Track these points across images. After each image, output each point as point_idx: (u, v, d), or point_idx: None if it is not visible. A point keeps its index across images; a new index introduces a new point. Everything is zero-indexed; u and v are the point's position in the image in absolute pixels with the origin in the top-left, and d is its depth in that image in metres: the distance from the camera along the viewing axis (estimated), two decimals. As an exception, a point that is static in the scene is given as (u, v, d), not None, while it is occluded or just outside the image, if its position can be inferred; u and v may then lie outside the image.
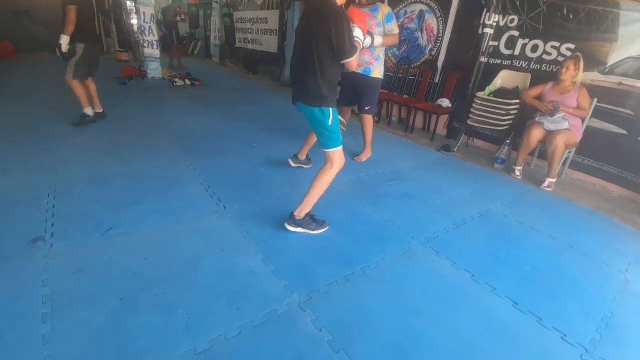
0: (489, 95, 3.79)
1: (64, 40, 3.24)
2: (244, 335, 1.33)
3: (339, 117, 2.09)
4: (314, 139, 2.87)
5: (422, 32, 4.77)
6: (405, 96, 5.02)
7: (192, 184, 2.53)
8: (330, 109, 1.94)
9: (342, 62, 1.88)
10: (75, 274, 1.54)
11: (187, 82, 6.42)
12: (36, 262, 1.59)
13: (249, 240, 1.92)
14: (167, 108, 4.71)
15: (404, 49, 5.05)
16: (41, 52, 9.52)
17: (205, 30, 11.49)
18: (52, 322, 1.28)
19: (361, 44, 2.07)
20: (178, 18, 8.32)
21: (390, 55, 5.28)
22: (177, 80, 6.36)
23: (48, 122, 3.63)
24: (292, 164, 3.05)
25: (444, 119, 4.55)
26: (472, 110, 3.87)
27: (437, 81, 4.63)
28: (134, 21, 9.30)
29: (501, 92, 3.75)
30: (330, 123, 1.96)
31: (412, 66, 4.92)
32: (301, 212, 2.06)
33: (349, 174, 3.02)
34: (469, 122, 3.92)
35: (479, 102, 3.80)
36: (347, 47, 1.80)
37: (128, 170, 2.66)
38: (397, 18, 5.02)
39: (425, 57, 4.77)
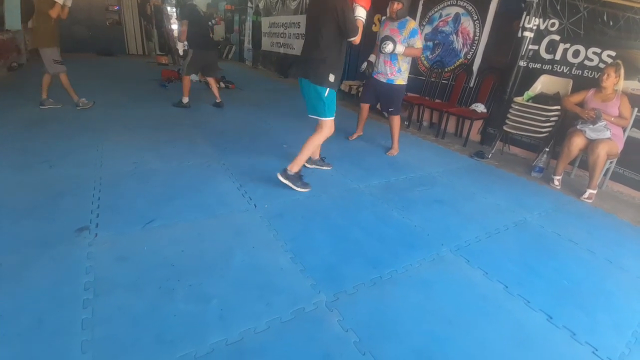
0: (527, 101, 3.64)
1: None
2: (273, 330, 1.36)
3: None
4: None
5: (457, 35, 4.66)
6: (437, 100, 4.92)
7: (225, 182, 2.63)
8: (327, 88, 2.33)
9: (349, 39, 2.25)
10: (117, 262, 1.65)
11: (222, 84, 6.65)
12: (80, 250, 1.71)
13: (278, 239, 1.96)
14: (203, 109, 4.91)
15: (437, 52, 4.96)
16: (84, 52, 10.19)
17: (239, 35, 11.87)
18: (92, 307, 1.37)
19: (363, 21, 2.32)
20: (212, 22, 8.64)
21: (422, 58, 5.20)
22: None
23: (94, 119, 3.91)
24: (308, 165, 3.09)
25: (477, 124, 4.42)
26: (509, 115, 3.73)
27: (471, 85, 4.51)
28: (174, 26, 9.80)
29: (541, 98, 3.59)
30: (326, 95, 2.36)
31: (446, 70, 4.82)
32: (293, 168, 2.50)
33: (378, 177, 3.01)
34: (505, 128, 3.78)
35: (517, 107, 3.66)
36: (351, 26, 2.17)
37: (167, 166, 2.81)
38: (432, 21, 4.96)
39: (460, 60, 4.66)
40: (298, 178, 2.53)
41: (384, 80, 3.48)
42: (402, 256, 1.92)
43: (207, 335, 1.30)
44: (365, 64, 3.58)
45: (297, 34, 8.22)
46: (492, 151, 3.94)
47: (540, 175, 3.49)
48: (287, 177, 2.49)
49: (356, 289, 1.61)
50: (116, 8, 10.76)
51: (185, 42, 4.47)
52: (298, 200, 2.46)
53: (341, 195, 2.61)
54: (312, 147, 2.50)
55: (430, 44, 5.06)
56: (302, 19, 8.04)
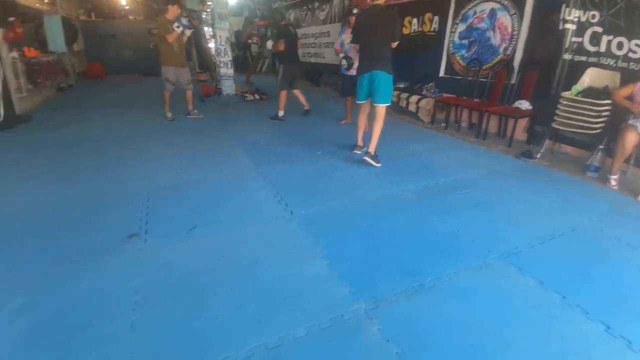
0: (576, 95, 3.37)
1: (268, 44, 5.19)
2: (311, 336, 1.34)
3: None
4: (362, 122, 3.55)
5: (494, 31, 4.45)
6: (476, 100, 4.70)
7: (262, 190, 2.68)
8: (392, 76, 3.19)
9: (393, 43, 3.11)
10: (163, 267, 1.73)
11: (256, 96, 6.87)
12: (131, 255, 1.82)
13: (315, 245, 1.95)
14: (240, 121, 5.10)
15: (473, 50, 4.77)
16: (130, 74, 11.01)
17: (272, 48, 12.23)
18: (141, 309, 1.44)
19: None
20: (251, 41, 9.00)
21: (458, 57, 5.02)
22: (247, 95, 6.86)
23: (141, 133, 4.19)
24: (358, 152, 3.51)
25: (522, 122, 4.15)
26: (557, 111, 3.47)
27: (513, 82, 4.26)
28: (211, 45, 10.33)
29: (590, 92, 3.32)
30: (391, 84, 3.20)
31: (483, 67, 4.61)
32: (373, 149, 3.18)
33: (415, 182, 2.91)
34: (554, 125, 3.52)
35: (566, 102, 3.40)
36: (399, 34, 3.15)
37: (207, 176, 2.93)
38: (466, 18, 4.79)
39: (499, 56, 4.43)
40: (376, 156, 3.18)
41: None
42: (444, 263, 1.82)
43: (246, 340, 1.31)
44: (344, 61, 4.30)
45: (327, 42, 8.31)
46: (542, 150, 3.67)
47: (596, 175, 3.19)
48: (371, 157, 3.15)
49: (397, 297, 1.55)
50: (158, 31, 11.57)
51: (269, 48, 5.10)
52: (334, 206, 2.44)
53: (377, 201, 2.55)
54: (379, 131, 3.16)
55: (465, 42, 4.87)
56: (331, 28, 8.13)
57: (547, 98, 3.88)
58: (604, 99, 3.18)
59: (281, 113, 5.04)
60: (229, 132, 4.43)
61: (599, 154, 3.23)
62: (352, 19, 4.20)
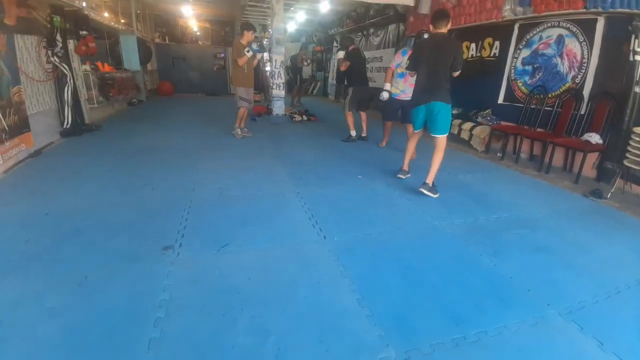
0: (648, 131, 2.93)
1: (339, 55, 5.04)
2: (331, 382, 1.21)
3: None
4: (412, 148, 3.48)
5: (562, 58, 4.09)
6: (539, 130, 4.30)
7: (297, 211, 2.63)
8: (451, 106, 3.04)
9: (455, 72, 3.04)
10: (191, 284, 1.72)
11: (304, 117, 7.02)
12: (162, 267, 1.84)
13: (345, 276, 1.82)
14: (286, 140, 5.20)
15: (538, 76, 4.42)
16: (195, 93, 11.96)
17: (324, 72, 12.60)
18: (162, 326, 1.42)
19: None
20: (304, 63, 9.36)
21: (519, 83, 4.68)
22: (296, 116, 7.03)
23: (193, 148, 4.43)
24: (402, 177, 3.50)
25: (592, 157, 3.69)
26: (629, 148, 3.04)
27: (582, 112, 3.84)
28: (267, 68, 10.91)
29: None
30: (450, 114, 3.05)
31: (550, 95, 4.23)
32: (431, 180, 3.02)
33: (463, 215, 2.68)
34: (625, 162, 3.06)
35: (638, 139, 2.96)
36: (460, 64, 3.04)
37: (246, 193, 2.96)
38: (531, 44, 4.49)
39: (567, 85, 4.04)
40: (434, 187, 3.04)
41: (407, 98, 3.91)
42: (493, 314, 1.59)
43: (261, 377, 1.21)
44: (385, 94, 4.20)
45: (379, 67, 8.33)
46: (612, 190, 3.20)
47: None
48: (429, 189, 3.00)
49: (433, 349, 1.36)
50: (222, 55, 12.55)
51: (340, 65, 5.07)
52: (370, 235, 2.30)
53: (419, 234, 2.36)
54: (439, 161, 3.03)
55: (529, 68, 4.54)
56: (384, 53, 8.14)
57: (619, 132, 3.43)
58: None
59: (353, 133, 5.11)
60: (275, 150, 4.52)
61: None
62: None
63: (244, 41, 4.82)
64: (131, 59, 8.48)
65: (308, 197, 2.91)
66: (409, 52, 4.02)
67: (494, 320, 1.54)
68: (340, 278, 1.81)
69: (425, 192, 2.99)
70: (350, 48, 5.06)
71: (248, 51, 4.72)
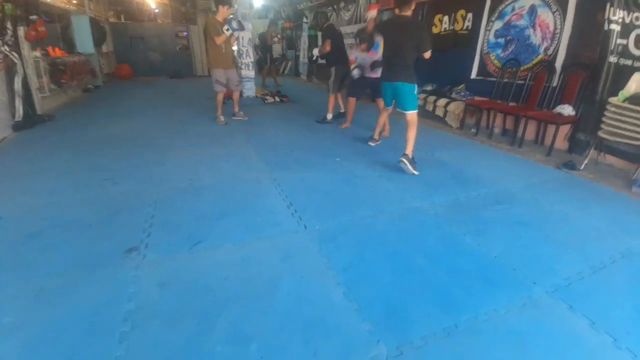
0: (623, 102, 2.99)
1: (314, 51, 4.89)
2: (321, 388, 1.12)
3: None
4: (382, 121, 3.75)
5: (534, 29, 4.07)
6: (511, 104, 4.33)
7: (274, 199, 2.49)
8: (415, 85, 3.11)
9: (423, 53, 3.02)
10: (160, 289, 1.55)
11: (277, 98, 6.74)
12: (127, 272, 1.66)
13: (330, 267, 1.72)
14: (258, 123, 4.95)
15: (510, 49, 4.39)
16: (157, 76, 11.20)
17: (295, 50, 12.14)
18: (128, 343, 1.26)
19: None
20: (274, 40, 8.87)
21: (492, 57, 4.66)
22: (267, 97, 6.73)
23: (161, 136, 4.11)
24: (372, 144, 3.80)
25: (564, 129, 3.75)
26: (604, 119, 3.09)
27: (554, 85, 3.87)
28: (234, 47, 10.34)
29: (638, 99, 2.92)
30: (415, 92, 3.13)
31: (522, 69, 4.23)
32: (410, 151, 3.05)
33: (444, 194, 2.64)
34: (600, 134, 3.13)
35: (614, 109, 3.01)
36: (428, 45, 3.02)
37: (219, 182, 2.77)
38: (503, 15, 4.44)
39: (539, 57, 4.05)
40: (414, 161, 3.06)
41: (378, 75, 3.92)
42: (482, 297, 1.55)
43: (244, 390, 1.10)
44: (356, 71, 4.14)
45: (351, 44, 8.07)
46: (585, 161, 3.28)
47: (642, 190, 2.82)
48: (409, 160, 2.99)
49: (425, 342, 1.30)
50: (185, 34, 11.75)
51: (318, 55, 4.83)
52: (352, 220, 2.20)
53: (401, 215, 2.30)
54: (415, 135, 3.08)
55: (501, 40, 4.51)
56: (356, 28, 7.87)
57: (592, 103, 3.49)
58: (654, 107, 2.80)
59: (330, 116, 4.93)
60: (247, 134, 4.29)
61: (649, 167, 2.84)
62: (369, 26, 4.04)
63: (219, 18, 4.38)
64: (84, 41, 7.72)
65: (285, 183, 2.76)
66: (363, 46, 4.21)
67: (484, 303, 1.50)
68: (325, 270, 1.71)
69: (406, 162, 2.97)
70: (325, 25, 4.81)
71: (227, 29, 4.31)
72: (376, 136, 3.84)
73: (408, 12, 3.06)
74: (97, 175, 2.88)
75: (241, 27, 4.60)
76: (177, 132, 4.36)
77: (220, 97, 4.79)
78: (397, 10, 3.10)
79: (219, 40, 4.31)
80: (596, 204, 2.54)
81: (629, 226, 2.23)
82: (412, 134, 3.07)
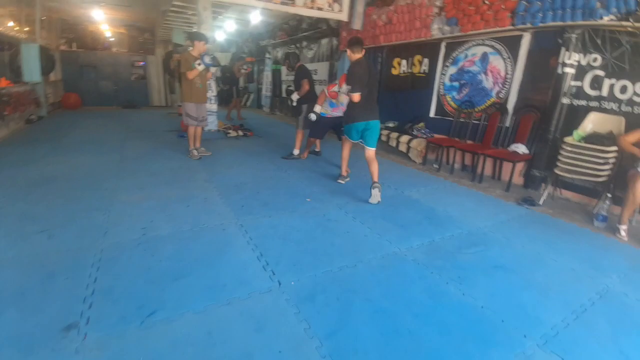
0: (579, 141, 3.23)
1: (294, 96, 4.77)
2: None
3: None
4: (347, 156, 3.74)
5: (486, 74, 4.40)
6: (469, 142, 4.55)
7: (243, 251, 2.25)
8: None
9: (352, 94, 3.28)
10: (103, 382, 1.24)
11: (240, 132, 6.56)
12: (66, 358, 1.33)
13: (311, 336, 1.52)
14: (220, 160, 4.70)
15: (465, 92, 4.69)
16: (109, 106, 10.56)
17: (257, 84, 12.20)
18: None
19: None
20: (242, 70, 8.81)
21: (448, 98, 4.94)
22: (230, 131, 6.53)
23: (105, 175, 3.70)
24: (342, 182, 3.81)
25: (519, 166, 3.98)
26: (560, 157, 3.31)
27: (507, 125, 4.14)
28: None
29: (594, 138, 3.20)
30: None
31: (476, 110, 4.50)
32: (377, 178, 3.26)
33: (419, 236, 2.57)
34: (556, 171, 3.33)
35: (570, 148, 3.24)
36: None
37: (178, 232, 2.47)
38: (457, 61, 4.76)
39: (492, 99, 4.35)
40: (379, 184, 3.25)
41: (340, 114, 4.27)
42: (476, 358, 1.43)
43: None
44: (313, 115, 4.19)
45: (314, 80, 8.25)
46: (544, 197, 3.46)
47: (603, 224, 3.01)
48: (378, 186, 3.21)
49: None
50: (142, 64, 11.35)
51: (297, 97, 4.78)
52: (330, 272, 2.03)
53: (380, 264, 2.17)
54: (377, 169, 3.30)
55: (456, 84, 4.81)
56: (318, 66, 8.11)
57: (544, 142, 3.76)
58: (610, 145, 3.06)
59: (296, 152, 4.87)
60: (209, 173, 4.02)
61: (607, 202, 3.04)
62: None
63: (195, 53, 4.37)
64: (32, 70, 7.14)
65: (254, 230, 2.54)
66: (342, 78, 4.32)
67: (481, 369, 1.38)
68: (306, 340, 1.49)
69: (378, 192, 3.20)
70: (297, 65, 4.83)
71: (199, 64, 4.28)
72: (344, 172, 3.83)
73: (360, 55, 3.26)
74: (30, 226, 2.45)
75: (215, 63, 4.55)
76: (127, 170, 3.97)
77: (191, 130, 4.64)
78: (354, 53, 3.23)
79: (191, 74, 4.28)
80: (564, 242, 2.62)
81: (600, 264, 2.30)
82: (375, 167, 3.30)
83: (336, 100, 4.38)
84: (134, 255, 2.13)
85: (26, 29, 7.50)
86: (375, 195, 3.19)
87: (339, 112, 4.37)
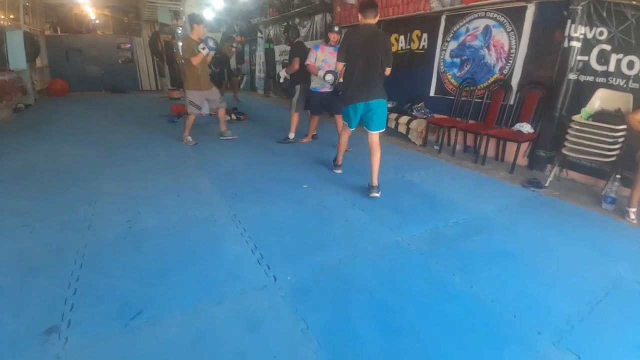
0: (587, 119, 3.08)
1: (282, 73, 4.57)
2: None
3: None
4: (345, 142, 3.34)
5: (489, 49, 4.18)
6: (471, 121, 4.38)
7: (235, 243, 2.12)
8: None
9: (387, 70, 2.88)
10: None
11: (233, 116, 6.33)
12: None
13: (308, 337, 1.41)
14: (212, 145, 4.52)
15: (466, 68, 4.47)
16: (97, 91, 10.23)
17: (250, 65, 11.81)
18: None
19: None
20: (232, 49, 8.45)
21: (449, 76, 4.72)
22: (223, 115, 6.29)
23: (93, 164, 3.53)
24: (338, 172, 3.50)
25: (524, 146, 3.83)
26: (567, 137, 3.16)
27: (512, 103, 3.96)
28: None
29: (603, 116, 3.03)
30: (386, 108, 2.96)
31: (479, 87, 4.31)
32: (377, 180, 2.86)
33: (420, 223, 2.45)
34: (564, 151, 3.19)
35: (577, 127, 3.09)
36: (391, 60, 2.88)
37: (166, 224, 2.33)
38: (458, 36, 4.52)
39: (495, 76, 4.14)
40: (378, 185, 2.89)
41: (329, 90, 4.20)
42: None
43: None
44: (330, 75, 3.98)
45: (309, 59, 7.95)
46: (550, 178, 3.33)
47: (612, 207, 2.88)
48: (377, 190, 2.85)
49: None
50: (128, 46, 10.91)
51: (287, 76, 4.53)
52: (328, 265, 1.92)
53: (380, 254, 2.05)
54: (379, 159, 2.88)
55: (457, 60, 4.58)
56: (311, 44, 7.77)
57: (550, 121, 3.59)
58: (619, 124, 2.90)
59: (292, 135, 4.64)
60: (199, 159, 3.85)
61: (615, 183, 2.92)
62: (332, 36, 4.05)
63: (194, 36, 4.13)
64: (17, 57, 6.84)
65: (247, 220, 2.40)
66: (321, 47, 4.09)
67: (493, 369, 1.29)
68: (303, 341, 1.39)
69: (377, 195, 2.85)
70: (296, 41, 4.54)
71: (203, 48, 4.05)
72: (340, 161, 3.50)
73: (373, 21, 2.81)
74: (10, 220, 2.32)
75: (215, 48, 4.34)
76: (114, 160, 3.79)
77: (192, 119, 4.47)
78: (361, 18, 2.82)
79: (196, 60, 4.07)
80: (572, 227, 2.51)
81: (610, 249, 2.20)
82: (377, 159, 2.86)
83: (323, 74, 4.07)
84: (118, 250, 2.00)
85: (12, 16, 7.14)
86: (374, 196, 2.86)
87: (328, 89, 4.19)
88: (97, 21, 12.44)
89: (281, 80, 4.63)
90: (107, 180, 3.11)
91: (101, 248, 2.01)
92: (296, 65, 4.34)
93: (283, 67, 4.57)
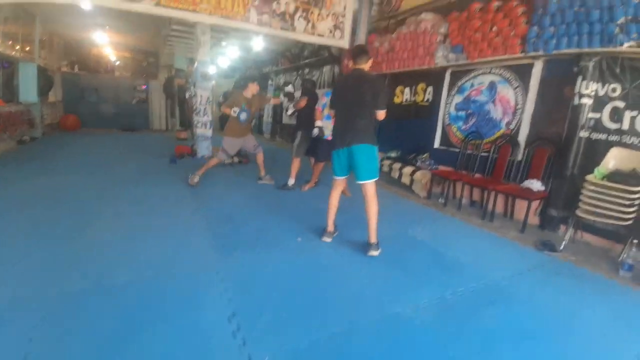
0: (601, 180, 2.90)
1: (290, 107, 4.68)
2: None
3: None
4: (335, 202, 2.87)
5: (494, 104, 4.14)
6: (477, 175, 4.22)
7: (212, 307, 1.86)
8: (376, 147, 2.69)
9: (379, 111, 2.66)
10: None
11: (235, 159, 6.28)
12: None
13: None
14: (210, 188, 4.38)
15: (471, 122, 4.42)
16: (108, 128, 10.43)
17: (259, 110, 12.16)
18: None
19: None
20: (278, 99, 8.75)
21: (454, 129, 4.67)
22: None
23: (85, 199, 3.37)
24: (329, 239, 2.87)
25: (534, 204, 3.61)
26: (582, 198, 2.95)
27: (519, 159, 3.82)
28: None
29: (618, 176, 2.86)
30: (377, 155, 2.70)
31: (484, 141, 4.21)
32: (375, 237, 2.64)
33: (427, 289, 2.18)
34: (578, 213, 2.96)
35: (592, 188, 2.90)
36: (384, 103, 2.64)
37: (139, 279, 2.08)
38: (462, 90, 4.54)
39: (501, 131, 4.06)
40: (378, 243, 2.66)
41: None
42: None
43: None
44: (316, 130, 4.07)
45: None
46: (565, 242, 3.07)
47: (630, 274, 2.65)
48: (375, 249, 2.62)
49: None
50: (144, 87, 11.36)
51: (294, 110, 4.60)
52: (317, 340, 1.63)
53: (380, 331, 1.76)
54: (376, 212, 2.64)
55: (462, 113, 4.56)
56: (320, 94, 7.96)
57: (561, 179, 3.41)
58: (635, 185, 2.72)
59: (292, 181, 4.57)
60: (196, 202, 3.68)
61: (633, 249, 2.68)
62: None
63: (246, 94, 4.41)
64: (29, 90, 7.07)
65: (231, 277, 2.16)
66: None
67: None
68: None
69: (374, 253, 2.62)
70: (307, 78, 4.72)
71: (235, 111, 4.27)
72: (330, 227, 2.90)
73: (364, 66, 2.68)
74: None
75: (247, 113, 4.42)
76: (112, 195, 3.66)
77: (214, 162, 4.56)
78: (351, 64, 2.74)
79: (225, 110, 4.38)
80: (593, 297, 2.25)
81: (635, 322, 1.93)
82: (373, 212, 2.61)
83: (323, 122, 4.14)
84: (80, 310, 1.74)
85: (28, 48, 7.49)
86: (372, 254, 2.62)
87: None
88: (118, 62, 13.12)
89: (289, 113, 4.69)
90: (97, 219, 2.95)
91: (63, 306, 1.76)
92: (303, 103, 4.41)
93: (287, 98, 4.71)
